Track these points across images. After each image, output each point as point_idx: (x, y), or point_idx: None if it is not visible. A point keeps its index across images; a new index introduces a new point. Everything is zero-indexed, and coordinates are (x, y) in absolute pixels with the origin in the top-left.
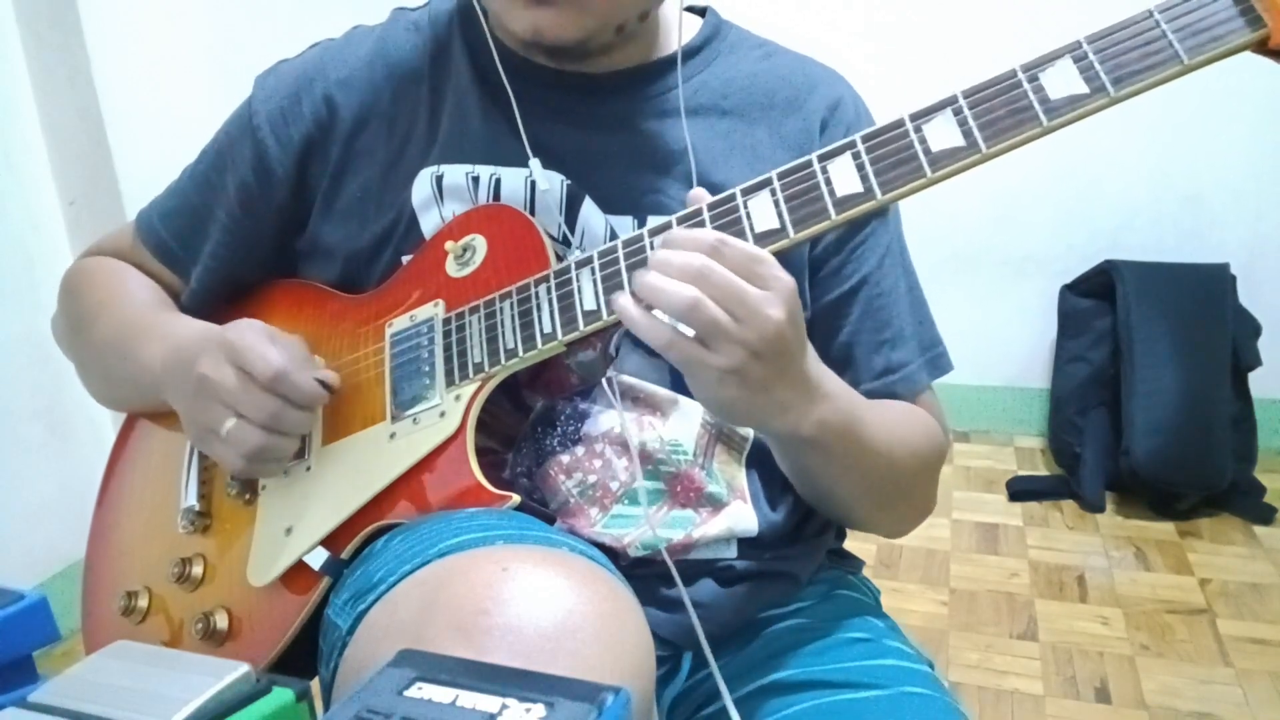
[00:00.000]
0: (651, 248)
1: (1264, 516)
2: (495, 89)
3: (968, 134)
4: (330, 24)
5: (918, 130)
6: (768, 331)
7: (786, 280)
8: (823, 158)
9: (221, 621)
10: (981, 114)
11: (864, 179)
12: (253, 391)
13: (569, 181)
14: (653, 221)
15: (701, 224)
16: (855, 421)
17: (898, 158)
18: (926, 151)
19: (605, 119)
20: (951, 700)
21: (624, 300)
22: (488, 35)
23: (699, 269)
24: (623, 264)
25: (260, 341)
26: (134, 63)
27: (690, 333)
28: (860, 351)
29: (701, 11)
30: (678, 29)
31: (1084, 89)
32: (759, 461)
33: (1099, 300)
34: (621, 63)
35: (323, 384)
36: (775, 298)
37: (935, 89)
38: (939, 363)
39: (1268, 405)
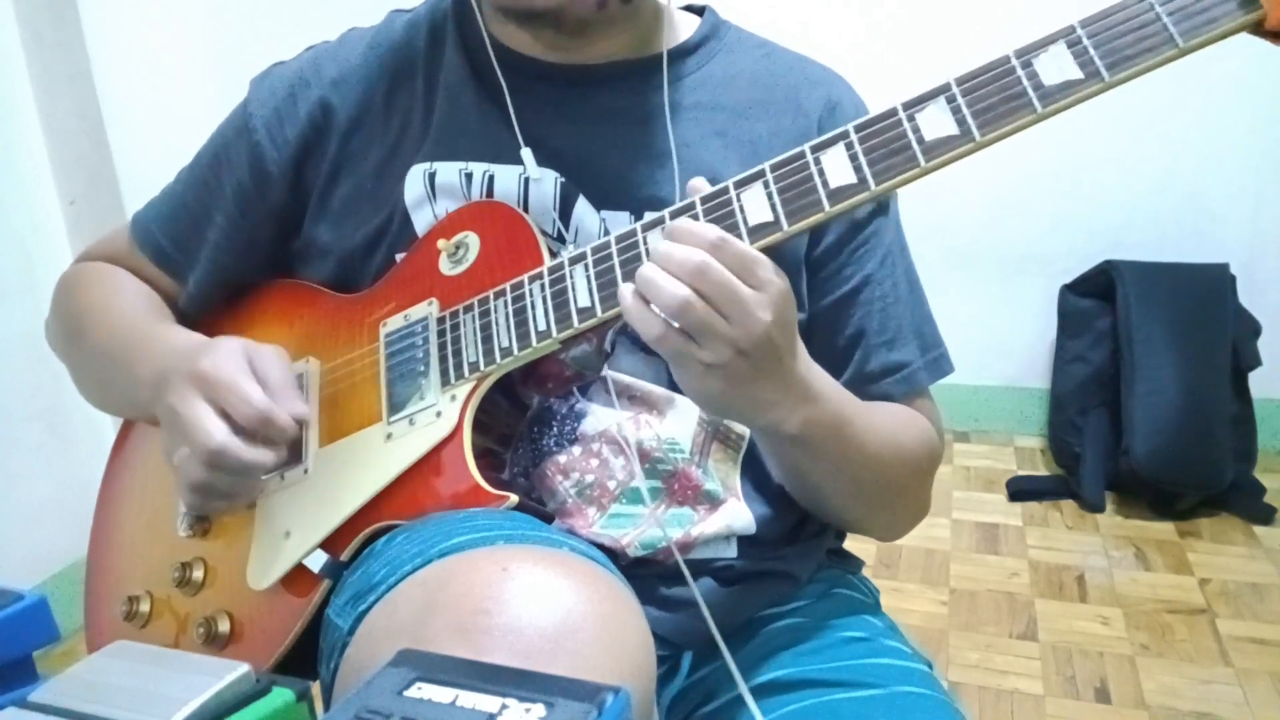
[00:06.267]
0: (645, 243)
1: (1264, 516)
2: (490, 85)
3: (961, 122)
4: (330, 24)
5: (911, 119)
6: (755, 332)
7: (780, 283)
8: (815, 148)
9: (223, 625)
10: (975, 101)
11: (857, 169)
12: (205, 428)
13: (563, 179)
14: (648, 217)
15: (696, 218)
16: (843, 423)
17: (891, 147)
18: (920, 140)
19: (601, 113)
20: (949, 699)
21: (624, 290)
22: (483, 31)
23: (697, 265)
24: (616, 260)
25: (240, 378)
26: (134, 63)
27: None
28: (860, 352)
29: (700, 11)
30: (675, 25)
31: (1078, 74)
32: (754, 462)
33: (1099, 300)
34: (617, 55)
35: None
36: (766, 300)
37: (928, 77)
38: (940, 364)
39: (1268, 405)
